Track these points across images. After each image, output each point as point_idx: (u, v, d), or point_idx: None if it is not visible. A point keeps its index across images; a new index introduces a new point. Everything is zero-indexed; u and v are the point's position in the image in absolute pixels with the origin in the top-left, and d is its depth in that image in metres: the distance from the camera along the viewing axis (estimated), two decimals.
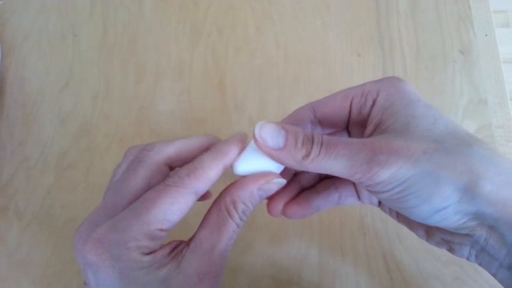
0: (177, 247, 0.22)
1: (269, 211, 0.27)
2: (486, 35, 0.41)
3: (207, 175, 0.22)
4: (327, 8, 0.43)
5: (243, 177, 0.23)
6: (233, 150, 0.23)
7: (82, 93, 0.42)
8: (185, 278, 0.21)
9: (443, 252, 0.34)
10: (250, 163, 0.23)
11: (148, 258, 0.20)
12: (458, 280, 0.33)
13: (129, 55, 0.43)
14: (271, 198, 0.26)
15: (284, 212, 0.27)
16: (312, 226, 0.36)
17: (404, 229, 0.35)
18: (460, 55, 0.40)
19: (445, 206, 0.20)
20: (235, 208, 0.22)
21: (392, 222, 0.36)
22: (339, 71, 0.41)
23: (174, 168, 0.24)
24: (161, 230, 0.20)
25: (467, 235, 0.22)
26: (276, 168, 0.24)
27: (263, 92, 0.41)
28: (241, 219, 0.23)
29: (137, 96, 0.41)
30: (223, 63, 0.42)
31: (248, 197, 0.23)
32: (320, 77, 0.41)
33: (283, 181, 0.24)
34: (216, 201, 0.23)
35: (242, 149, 0.24)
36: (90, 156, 0.39)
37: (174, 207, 0.20)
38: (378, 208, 0.36)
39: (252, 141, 0.23)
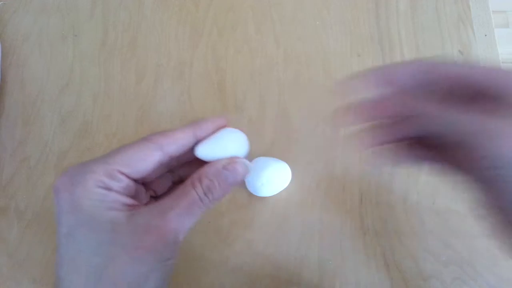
0: (137, 206, 0.23)
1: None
2: (485, 35, 0.41)
3: (175, 135, 0.23)
4: (327, 8, 0.43)
5: None
6: (206, 124, 0.24)
7: (82, 93, 0.42)
8: (133, 226, 0.21)
9: (443, 252, 0.34)
10: (211, 147, 0.24)
11: (100, 190, 0.21)
12: (457, 280, 0.33)
13: (129, 55, 0.43)
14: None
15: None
16: (312, 226, 0.36)
17: (404, 229, 0.35)
18: (459, 55, 0.40)
19: None
20: (199, 181, 0.23)
21: (392, 222, 0.36)
22: (339, 71, 0.41)
23: None
24: (121, 172, 0.22)
25: None
26: (240, 155, 0.25)
27: (263, 92, 0.41)
28: (205, 194, 0.23)
29: (137, 96, 0.41)
30: (223, 63, 0.42)
31: (213, 173, 0.23)
32: (320, 77, 0.41)
33: (247, 164, 0.25)
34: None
35: (221, 128, 0.25)
36: (90, 156, 0.39)
37: (136, 155, 0.22)
38: (378, 208, 0.36)
39: (223, 130, 0.25)
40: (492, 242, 0.34)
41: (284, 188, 0.36)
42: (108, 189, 0.22)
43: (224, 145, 0.25)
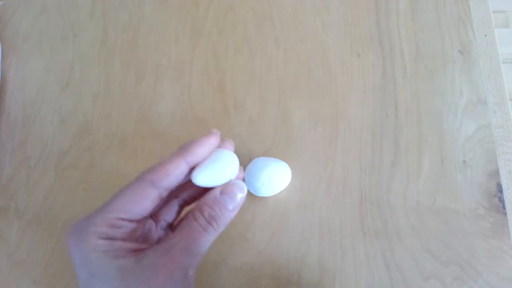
0: (146, 248, 0.23)
1: None
2: (485, 35, 0.41)
3: (166, 169, 0.23)
4: (327, 8, 0.43)
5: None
6: (197, 148, 0.24)
7: (82, 93, 0.42)
8: (141, 269, 0.21)
9: (443, 252, 0.34)
10: (208, 173, 0.24)
11: (103, 242, 0.22)
12: (457, 280, 0.33)
13: (129, 55, 0.43)
14: None
15: None
16: (312, 226, 0.36)
17: (404, 229, 0.35)
18: (459, 55, 0.40)
19: None
20: (200, 211, 0.23)
21: (392, 222, 0.36)
22: (339, 71, 0.41)
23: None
24: (121, 219, 0.22)
25: None
26: (233, 176, 0.25)
27: (263, 92, 0.41)
28: (208, 223, 0.23)
29: (137, 96, 0.41)
30: (223, 63, 0.42)
31: (213, 200, 0.24)
32: (320, 77, 0.41)
33: (242, 184, 0.25)
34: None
35: (212, 147, 0.25)
36: (90, 156, 0.39)
37: (132, 198, 0.22)
38: (378, 208, 0.36)
39: (215, 152, 0.25)
40: (492, 242, 0.34)
41: (284, 188, 0.36)
42: (112, 238, 0.22)
43: (219, 169, 0.25)
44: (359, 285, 0.34)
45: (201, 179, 0.24)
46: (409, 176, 0.37)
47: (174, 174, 0.23)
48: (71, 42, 0.44)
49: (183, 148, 0.24)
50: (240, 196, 0.24)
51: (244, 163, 0.37)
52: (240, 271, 0.35)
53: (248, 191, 0.36)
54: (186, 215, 0.25)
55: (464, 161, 0.37)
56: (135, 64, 0.43)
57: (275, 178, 0.34)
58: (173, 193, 0.26)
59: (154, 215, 0.26)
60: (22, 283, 0.36)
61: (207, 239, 0.23)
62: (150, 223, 0.25)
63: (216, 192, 0.24)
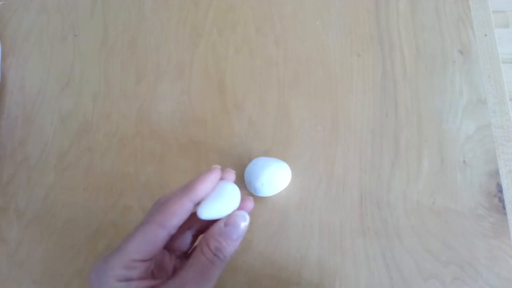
0: (158, 285, 0.24)
1: None
2: (485, 35, 0.41)
3: (173, 210, 0.24)
4: (327, 8, 0.43)
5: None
6: (201, 187, 0.25)
7: (82, 93, 0.42)
8: None
9: (443, 252, 0.34)
10: (212, 207, 0.26)
11: (121, 284, 0.23)
12: (457, 280, 0.33)
13: (129, 55, 0.43)
14: None
15: None
16: (312, 226, 0.36)
17: (404, 229, 0.35)
18: (459, 55, 0.40)
19: None
20: (206, 244, 0.25)
21: (392, 222, 0.36)
22: (339, 71, 0.41)
23: None
24: (135, 260, 0.24)
25: None
26: (236, 205, 0.27)
27: (263, 92, 0.41)
28: (214, 255, 0.25)
29: (137, 96, 0.41)
30: (223, 63, 0.42)
31: (218, 233, 0.25)
32: (320, 77, 0.41)
33: (245, 214, 0.26)
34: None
35: (214, 182, 0.26)
36: (90, 156, 0.39)
37: (143, 240, 0.24)
38: (378, 208, 0.36)
39: (216, 187, 0.26)
40: (492, 242, 0.34)
41: (284, 188, 0.36)
42: (129, 279, 0.24)
43: (222, 202, 0.26)
44: (359, 285, 0.34)
45: (206, 213, 0.25)
46: (409, 176, 0.37)
47: (180, 214, 0.25)
48: (71, 42, 0.44)
49: (188, 187, 0.25)
50: (244, 225, 0.26)
51: (244, 163, 0.37)
52: (240, 271, 0.35)
53: (248, 191, 0.36)
54: (194, 248, 0.27)
55: (464, 161, 0.37)
56: (135, 64, 0.43)
57: (275, 178, 0.34)
58: (186, 224, 0.27)
59: (169, 245, 0.27)
60: (22, 283, 0.36)
61: (215, 272, 0.25)
62: (164, 253, 0.27)
63: (221, 224, 0.25)
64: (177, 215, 0.25)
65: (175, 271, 0.27)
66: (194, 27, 0.44)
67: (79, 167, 0.39)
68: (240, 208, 0.27)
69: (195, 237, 0.29)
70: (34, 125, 0.41)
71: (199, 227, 0.28)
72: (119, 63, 0.43)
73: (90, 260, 0.36)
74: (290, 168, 0.36)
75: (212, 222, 0.26)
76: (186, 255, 0.29)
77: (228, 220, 0.26)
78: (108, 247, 0.36)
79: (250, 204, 0.28)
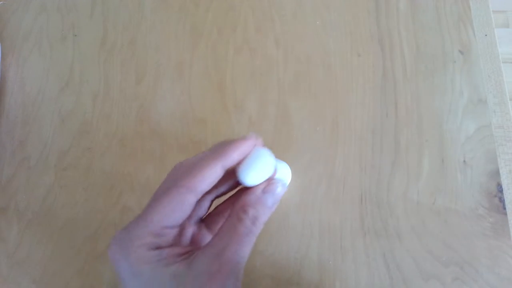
0: (190, 251, 0.23)
1: None
2: (485, 35, 0.41)
3: (202, 175, 0.23)
4: (327, 8, 0.43)
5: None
6: (232, 152, 0.24)
7: (82, 93, 0.42)
8: (195, 276, 0.22)
9: (443, 252, 0.34)
10: (254, 173, 0.25)
11: (154, 252, 0.22)
12: (458, 280, 0.33)
13: (129, 55, 0.43)
14: None
15: None
16: (312, 226, 0.36)
17: (404, 229, 0.35)
18: (459, 55, 0.40)
19: None
20: (244, 212, 0.23)
21: (392, 222, 0.36)
22: (339, 71, 0.41)
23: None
24: (164, 227, 0.22)
25: None
26: (272, 173, 0.26)
27: (263, 92, 0.41)
28: (252, 223, 0.23)
29: (137, 96, 0.41)
30: (223, 63, 0.42)
31: (255, 200, 0.24)
32: (320, 77, 0.41)
33: (283, 180, 0.25)
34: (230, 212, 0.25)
35: (246, 152, 0.25)
36: (90, 156, 0.39)
37: (171, 206, 0.23)
38: (378, 208, 0.36)
39: (254, 150, 0.25)
40: (492, 242, 0.34)
41: None
42: (159, 247, 0.22)
43: (262, 168, 0.25)
44: (359, 285, 0.34)
45: (249, 179, 0.24)
46: (409, 176, 0.37)
47: (210, 179, 0.23)
48: (71, 42, 0.44)
49: (219, 151, 0.24)
50: (281, 195, 0.25)
51: None
52: None
53: None
54: (222, 209, 0.26)
55: (464, 161, 0.37)
56: (135, 64, 0.43)
57: (275, 178, 0.34)
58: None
59: None
60: (22, 283, 0.36)
61: (252, 239, 0.23)
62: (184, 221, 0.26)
63: (258, 191, 0.24)
64: (207, 180, 0.23)
65: (193, 237, 0.26)
66: (194, 27, 0.44)
67: (79, 167, 0.39)
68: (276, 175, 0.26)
69: (211, 202, 0.28)
70: (34, 125, 0.41)
71: (219, 193, 0.27)
72: (119, 63, 0.43)
73: (90, 260, 0.36)
74: (290, 168, 0.36)
75: (236, 186, 0.26)
76: (202, 221, 0.27)
77: (267, 187, 0.25)
78: (108, 247, 0.36)
79: (286, 171, 0.27)
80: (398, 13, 0.42)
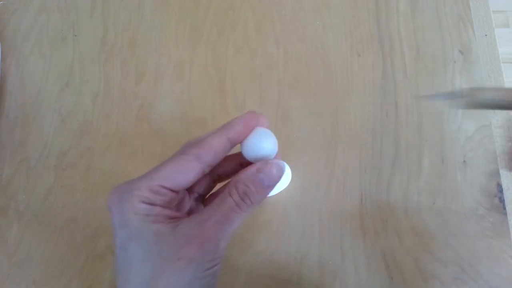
0: (181, 217, 0.24)
1: None
2: (485, 35, 0.41)
3: (209, 144, 0.24)
4: (327, 8, 0.43)
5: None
6: (236, 124, 0.25)
7: (82, 93, 0.42)
8: (175, 237, 0.23)
9: (443, 252, 0.34)
10: (250, 146, 0.25)
11: (145, 206, 0.23)
12: (457, 280, 0.33)
13: (129, 55, 0.43)
14: None
15: None
16: (312, 226, 0.36)
17: (404, 229, 0.35)
18: (459, 55, 0.40)
19: None
20: (235, 188, 0.24)
21: (392, 222, 0.36)
22: (339, 71, 0.41)
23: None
24: (163, 187, 0.23)
25: None
26: (273, 153, 0.26)
27: (263, 92, 0.41)
28: (242, 199, 0.24)
29: (137, 96, 0.41)
30: (223, 63, 0.42)
31: (249, 178, 0.24)
32: (320, 77, 0.41)
33: (282, 164, 0.25)
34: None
35: (252, 126, 0.25)
36: (90, 156, 0.39)
37: (176, 169, 0.24)
38: (378, 208, 0.36)
39: (257, 128, 0.25)
40: (492, 242, 0.34)
41: (284, 188, 0.36)
42: (152, 204, 0.23)
43: (264, 146, 0.25)
44: (359, 285, 0.34)
45: (249, 152, 0.25)
46: (409, 176, 0.37)
47: (218, 151, 0.24)
48: (71, 42, 0.44)
49: (226, 127, 0.25)
50: (278, 176, 0.25)
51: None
52: (240, 271, 0.35)
53: None
54: (222, 189, 0.26)
55: (464, 161, 0.37)
56: (135, 64, 0.43)
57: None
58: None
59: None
60: (22, 283, 0.36)
61: (240, 215, 0.24)
62: (184, 193, 0.26)
63: (253, 170, 0.24)
64: (214, 152, 0.24)
65: (190, 212, 0.26)
66: (194, 27, 0.44)
67: (79, 167, 0.39)
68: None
69: (214, 183, 0.28)
70: (34, 125, 0.41)
71: (221, 173, 0.28)
72: (119, 63, 0.43)
73: (90, 260, 0.36)
74: (290, 168, 0.36)
75: (239, 168, 0.26)
76: (201, 200, 0.28)
77: (263, 167, 0.24)
78: (108, 247, 0.36)
79: (286, 171, 0.27)
80: (398, 13, 0.42)
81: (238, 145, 0.26)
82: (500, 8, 1.23)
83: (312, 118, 0.39)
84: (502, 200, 0.35)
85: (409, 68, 0.40)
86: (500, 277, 0.33)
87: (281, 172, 0.25)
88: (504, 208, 0.35)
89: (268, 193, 0.25)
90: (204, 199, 0.29)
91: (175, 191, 0.24)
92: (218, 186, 0.29)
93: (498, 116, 0.38)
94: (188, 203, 0.27)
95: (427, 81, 0.40)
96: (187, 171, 0.24)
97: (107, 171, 0.39)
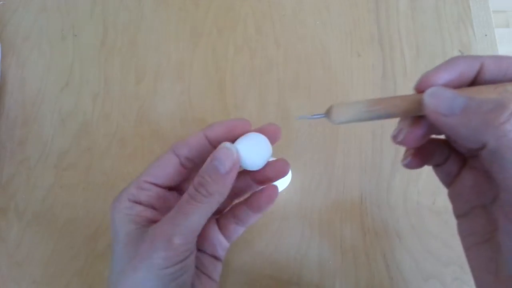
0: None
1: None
2: (485, 35, 0.41)
3: (187, 140, 0.26)
4: (327, 8, 0.43)
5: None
6: (217, 125, 0.25)
7: (82, 93, 0.42)
8: (138, 238, 0.23)
9: (443, 252, 0.34)
10: (240, 147, 0.24)
11: (128, 204, 0.24)
12: (458, 280, 0.33)
13: (129, 55, 0.43)
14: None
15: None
16: (312, 226, 0.36)
17: (404, 229, 0.35)
18: (459, 55, 0.40)
19: None
20: (192, 182, 0.24)
21: (392, 222, 0.36)
22: (339, 71, 0.41)
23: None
24: (147, 182, 0.25)
25: None
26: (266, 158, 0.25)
27: (263, 92, 0.41)
28: (196, 190, 0.23)
29: (137, 96, 0.41)
30: (223, 63, 0.42)
31: (203, 169, 0.23)
32: (320, 77, 0.41)
33: (231, 147, 0.24)
34: None
35: (229, 126, 0.26)
36: (90, 156, 0.39)
37: (157, 164, 0.26)
38: (378, 208, 0.36)
39: (246, 135, 0.25)
40: None
41: (284, 188, 0.36)
42: (137, 201, 0.25)
43: (251, 151, 0.25)
44: (359, 285, 0.34)
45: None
46: (409, 176, 0.37)
47: (191, 144, 0.25)
48: (71, 42, 0.44)
49: (207, 125, 0.26)
50: (230, 160, 0.23)
51: None
52: (240, 271, 0.35)
53: None
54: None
55: None
56: (135, 64, 0.43)
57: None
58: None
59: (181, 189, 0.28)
60: (22, 283, 0.36)
61: (196, 207, 0.23)
62: (175, 197, 0.27)
63: (208, 160, 0.23)
64: (190, 145, 0.25)
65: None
66: (194, 27, 0.44)
67: (79, 167, 0.39)
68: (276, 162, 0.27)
69: (231, 200, 0.29)
70: (34, 125, 0.41)
71: (235, 189, 0.27)
72: (119, 63, 0.43)
73: (90, 260, 0.36)
74: (290, 168, 0.36)
75: (250, 183, 0.27)
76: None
77: (214, 154, 0.23)
78: (108, 247, 0.36)
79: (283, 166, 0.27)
80: (398, 13, 0.42)
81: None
82: (500, 8, 1.23)
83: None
84: None
85: (409, 68, 0.40)
86: None
87: (232, 154, 0.23)
88: None
89: (226, 182, 0.23)
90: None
91: (159, 186, 0.25)
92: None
93: None
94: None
95: None
96: (165, 164, 0.26)
97: (107, 171, 0.39)
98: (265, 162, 0.26)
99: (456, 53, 0.40)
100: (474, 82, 0.22)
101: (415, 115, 0.22)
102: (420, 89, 0.22)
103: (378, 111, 0.22)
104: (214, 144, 0.25)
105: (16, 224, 0.37)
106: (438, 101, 0.20)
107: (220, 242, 0.29)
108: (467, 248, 0.23)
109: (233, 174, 0.24)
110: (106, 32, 0.44)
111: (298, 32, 0.43)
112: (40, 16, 0.45)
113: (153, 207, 0.25)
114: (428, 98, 0.20)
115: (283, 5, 0.44)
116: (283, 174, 0.27)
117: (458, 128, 0.20)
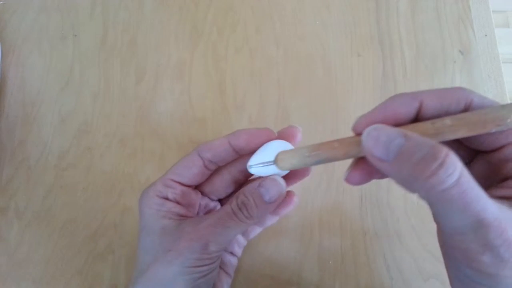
0: (190, 216, 0.27)
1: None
2: (485, 35, 0.41)
3: (212, 144, 0.27)
4: (327, 8, 0.43)
5: None
6: (242, 134, 0.26)
7: (82, 93, 0.42)
8: (175, 232, 0.25)
9: None
10: (253, 156, 0.25)
11: (158, 200, 0.26)
12: None
13: (129, 55, 0.43)
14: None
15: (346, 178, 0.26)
16: (312, 227, 0.36)
17: (404, 229, 0.35)
18: (459, 55, 0.40)
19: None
20: (236, 197, 0.26)
21: (392, 222, 0.36)
22: (339, 71, 0.41)
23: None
24: (173, 180, 0.27)
25: None
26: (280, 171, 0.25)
27: (263, 92, 0.41)
28: (239, 208, 0.25)
29: (137, 96, 0.41)
30: (223, 63, 0.42)
31: (249, 190, 0.25)
32: (320, 77, 0.41)
33: (280, 181, 0.26)
34: None
35: (255, 135, 0.26)
36: (90, 156, 0.39)
37: (182, 164, 0.27)
38: (378, 208, 0.36)
39: (270, 142, 0.25)
40: None
41: None
42: (165, 198, 0.27)
43: (264, 156, 0.25)
44: (359, 285, 0.34)
45: (252, 168, 0.25)
46: None
47: (216, 149, 0.26)
48: (71, 42, 0.44)
49: (233, 132, 0.27)
50: (276, 194, 0.25)
51: None
52: (240, 271, 0.35)
53: None
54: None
55: None
56: (135, 64, 0.43)
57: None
58: (226, 171, 0.29)
59: (206, 189, 0.29)
60: (22, 283, 0.36)
61: (235, 223, 0.25)
62: (196, 195, 0.29)
63: (256, 184, 0.25)
64: (213, 149, 0.26)
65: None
66: (194, 27, 0.44)
67: (79, 167, 0.39)
68: (293, 174, 0.27)
69: (236, 185, 0.30)
70: (34, 125, 0.41)
71: (236, 178, 0.29)
72: (119, 63, 0.43)
73: (90, 260, 0.36)
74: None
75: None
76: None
77: (262, 182, 0.25)
78: (108, 247, 0.36)
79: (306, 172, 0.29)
80: (398, 13, 0.42)
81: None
82: (500, 8, 1.23)
83: (312, 118, 0.39)
84: None
85: (409, 68, 0.40)
86: None
87: (280, 189, 0.25)
88: None
89: (268, 209, 0.25)
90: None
91: (184, 184, 0.27)
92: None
93: None
94: (203, 206, 0.29)
95: (427, 81, 0.40)
96: (190, 165, 0.27)
97: (107, 171, 0.39)
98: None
99: (456, 53, 0.40)
100: (417, 119, 0.21)
101: (358, 156, 0.22)
102: (356, 131, 0.22)
103: (319, 155, 0.22)
104: (238, 151, 0.26)
105: (16, 224, 0.37)
106: (374, 144, 0.19)
107: (238, 240, 0.32)
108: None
109: (276, 204, 0.26)
110: (106, 32, 0.44)
111: (298, 32, 0.43)
112: (40, 16, 0.45)
113: (178, 203, 0.27)
114: (365, 140, 0.20)
115: (283, 5, 0.44)
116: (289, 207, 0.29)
117: (392, 175, 0.19)
